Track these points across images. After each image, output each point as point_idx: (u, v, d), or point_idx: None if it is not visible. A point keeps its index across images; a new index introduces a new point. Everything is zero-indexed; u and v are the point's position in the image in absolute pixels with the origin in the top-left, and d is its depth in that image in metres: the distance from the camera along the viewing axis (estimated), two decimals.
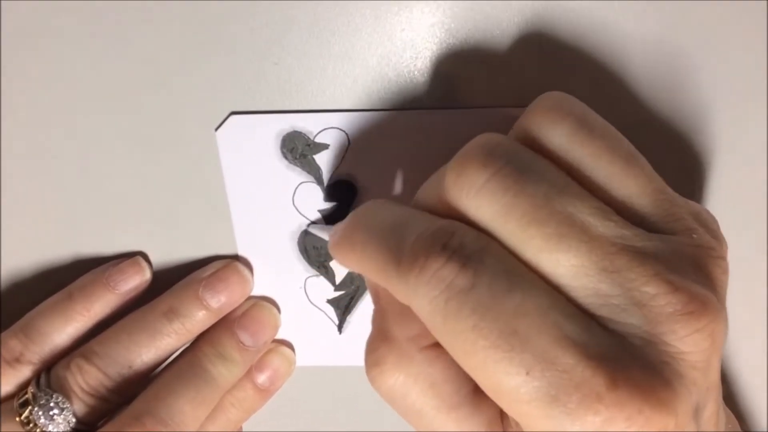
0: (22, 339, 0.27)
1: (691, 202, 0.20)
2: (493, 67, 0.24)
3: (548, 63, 0.24)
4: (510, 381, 0.16)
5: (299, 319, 0.30)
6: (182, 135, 0.26)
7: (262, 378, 0.29)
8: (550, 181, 0.18)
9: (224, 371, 0.27)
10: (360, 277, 0.29)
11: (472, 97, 0.25)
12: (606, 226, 0.17)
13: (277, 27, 0.24)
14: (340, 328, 0.30)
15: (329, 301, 0.29)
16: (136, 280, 0.28)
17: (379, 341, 0.22)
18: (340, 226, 0.22)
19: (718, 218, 0.20)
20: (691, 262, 0.17)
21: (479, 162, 0.18)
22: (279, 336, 0.30)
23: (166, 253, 0.29)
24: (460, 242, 0.17)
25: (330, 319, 0.30)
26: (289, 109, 0.25)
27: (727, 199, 0.26)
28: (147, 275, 0.28)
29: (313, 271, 0.29)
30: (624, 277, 0.17)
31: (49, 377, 0.26)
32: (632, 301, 0.16)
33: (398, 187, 0.26)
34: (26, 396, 0.26)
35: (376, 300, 0.22)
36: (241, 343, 0.28)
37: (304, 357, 0.31)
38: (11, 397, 0.27)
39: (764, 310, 0.29)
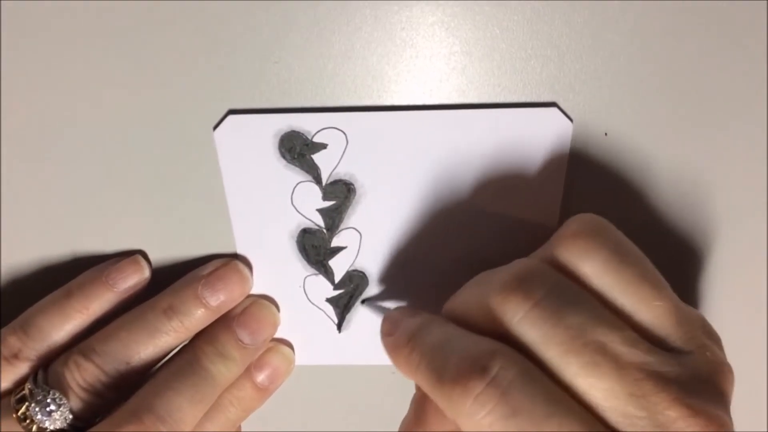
0: (21, 336, 0.27)
1: (695, 311, 0.22)
2: (494, 67, 0.24)
3: (548, 63, 0.24)
4: None
5: (298, 318, 0.30)
6: (181, 134, 0.26)
7: (261, 377, 0.29)
8: (586, 312, 0.20)
9: (223, 369, 0.27)
10: (359, 276, 0.29)
11: (472, 97, 0.25)
12: (634, 354, 0.19)
13: (277, 26, 0.24)
14: (339, 326, 0.30)
15: (328, 300, 0.29)
16: (135, 278, 0.28)
17: (414, 425, 0.24)
18: (395, 330, 0.23)
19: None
20: (706, 381, 0.20)
21: (522, 293, 0.20)
22: (278, 335, 0.30)
23: (165, 251, 0.29)
24: (501, 365, 0.19)
25: (329, 317, 0.30)
26: (288, 108, 0.25)
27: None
28: (146, 274, 0.28)
29: (312, 270, 0.29)
30: (649, 401, 0.19)
31: (46, 374, 0.26)
32: (656, 423, 0.19)
33: (397, 187, 0.26)
34: (23, 392, 0.26)
35: (419, 388, 0.24)
36: (240, 341, 0.28)
37: (303, 356, 0.31)
38: (9, 393, 0.27)
39: (764, 311, 0.29)
